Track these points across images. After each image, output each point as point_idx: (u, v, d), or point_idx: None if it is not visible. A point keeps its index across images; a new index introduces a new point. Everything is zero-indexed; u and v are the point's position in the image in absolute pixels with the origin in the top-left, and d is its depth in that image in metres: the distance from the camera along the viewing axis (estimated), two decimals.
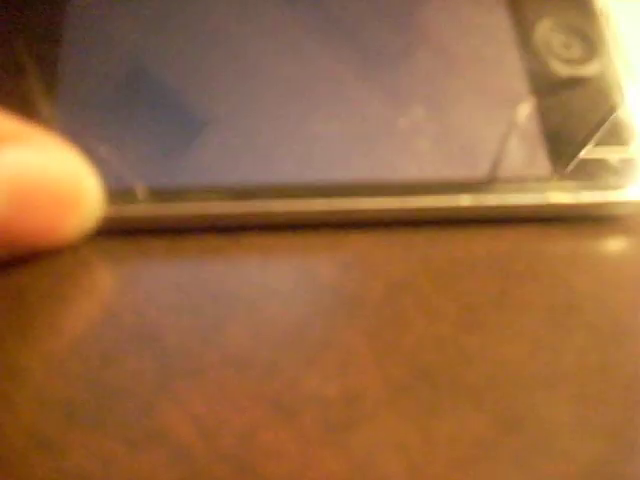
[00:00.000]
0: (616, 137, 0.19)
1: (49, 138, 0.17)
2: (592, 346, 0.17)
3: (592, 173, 0.19)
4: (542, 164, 0.19)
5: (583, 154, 0.19)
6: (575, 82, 0.20)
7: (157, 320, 0.16)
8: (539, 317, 0.17)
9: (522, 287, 0.18)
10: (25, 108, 0.19)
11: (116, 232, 0.18)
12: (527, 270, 0.18)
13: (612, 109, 0.20)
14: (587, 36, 0.21)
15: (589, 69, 0.21)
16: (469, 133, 0.19)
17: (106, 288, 0.17)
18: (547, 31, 0.21)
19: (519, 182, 0.19)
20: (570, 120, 0.20)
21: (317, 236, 0.18)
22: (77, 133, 0.18)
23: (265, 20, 0.21)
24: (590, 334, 0.17)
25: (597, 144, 0.19)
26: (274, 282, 0.17)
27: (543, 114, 0.20)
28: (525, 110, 0.20)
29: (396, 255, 0.18)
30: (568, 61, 0.21)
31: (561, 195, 0.19)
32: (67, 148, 0.17)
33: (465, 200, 0.18)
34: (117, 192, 0.18)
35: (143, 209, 0.18)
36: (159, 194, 0.18)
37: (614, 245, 0.19)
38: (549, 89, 0.20)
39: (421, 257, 0.18)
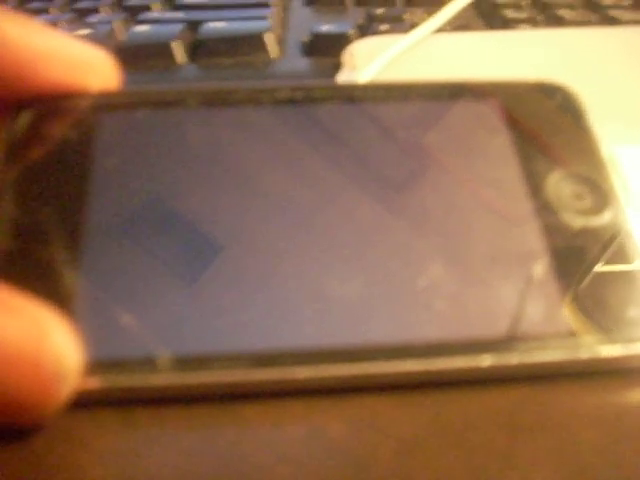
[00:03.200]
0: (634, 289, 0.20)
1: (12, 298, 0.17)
2: None
3: (610, 326, 0.19)
4: (559, 319, 0.19)
5: (601, 309, 0.19)
6: (588, 232, 0.21)
7: None
8: (548, 477, 0.17)
9: (532, 444, 0.17)
10: (47, 270, 0.19)
11: (134, 400, 0.18)
12: (537, 425, 0.18)
13: (626, 259, 0.20)
14: (596, 185, 0.21)
15: (601, 218, 0.21)
16: (484, 290, 0.19)
17: (122, 455, 0.17)
18: (557, 182, 0.21)
19: (538, 340, 0.19)
20: (585, 272, 0.20)
21: (329, 398, 0.18)
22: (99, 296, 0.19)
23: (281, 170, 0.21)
24: None
25: (615, 298, 0.19)
26: (286, 447, 0.17)
27: (558, 267, 0.20)
28: (540, 264, 0.20)
29: (406, 414, 0.18)
30: (579, 211, 0.21)
31: (580, 351, 0.19)
32: (33, 310, 0.17)
33: (486, 360, 0.18)
34: (136, 361, 0.18)
35: (163, 379, 0.18)
36: (178, 363, 0.18)
37: (628, 398, 0.19)
38: (562, 240, 0.20)
39: (431, 415, 0.18)
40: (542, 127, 0.23)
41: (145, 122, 0.22)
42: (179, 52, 0.40)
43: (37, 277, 0.19)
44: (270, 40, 0.40)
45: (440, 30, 0.40)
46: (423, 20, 0.42)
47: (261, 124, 0.22)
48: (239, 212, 0.20)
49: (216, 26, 0.41)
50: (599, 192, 0.21)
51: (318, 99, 0.23)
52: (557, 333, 0.19)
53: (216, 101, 0.22)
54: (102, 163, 0.21)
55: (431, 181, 0.21)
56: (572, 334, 0.19)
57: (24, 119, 0.21)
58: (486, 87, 0.24)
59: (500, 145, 0.22)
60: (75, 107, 0.22)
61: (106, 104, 0.22)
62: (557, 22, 0.44)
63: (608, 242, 0.20)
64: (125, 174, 0.21)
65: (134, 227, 0.20)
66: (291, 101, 0.22)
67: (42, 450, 0.17)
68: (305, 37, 0.42)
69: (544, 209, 0.21)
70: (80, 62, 0.22)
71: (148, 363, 0.18)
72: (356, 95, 0.23)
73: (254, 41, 0.40)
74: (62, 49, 0.21)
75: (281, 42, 0.42)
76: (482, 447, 0.17)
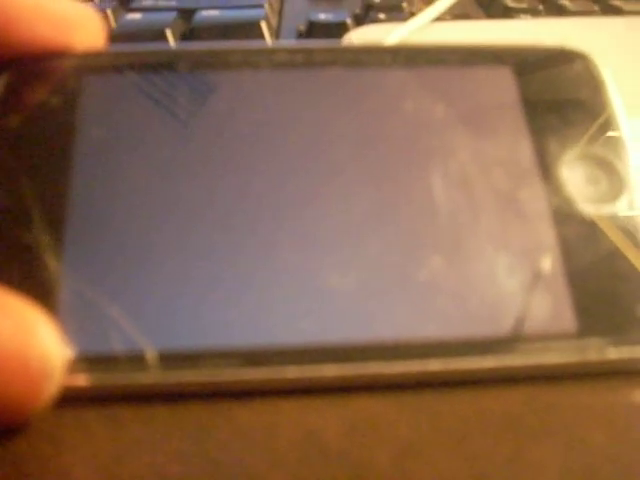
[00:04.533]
0: None
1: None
2: None
3: (618, 327, 0.18)
4: (567, 319, 0.18)
5: (610, 306, 0.18)
6: (601, 222, 0.19)
7: None
8: None
9: (537, 446, 0.17)
10: (30, 262, 0.18)
11: (120, 398, 0.17)
12: (542, 427, 0.17)
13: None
14: (614, 169, 0.20)
15: (616, 206, 0.20)
16: (489, 286, 0.18)
17: (108, 457, 0.16)
18: (572, 166, 0.20)
19: (544, 340, 0.18)
20: (598, 269, 0.19)
21: (324, 397, 0.17)
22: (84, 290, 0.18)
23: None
24: None
25: (623, 298, 0.18)
26: (280, 450, 0.16)
27: (568, 262, 0.19)
28: (549, 259, 0.19)
29: (404, 415, 0.17)
30: (594, 199, 0.20)
31: (587, 352, 0.18)
32: (19, 308, 0.16)
33: (488, 362, 0.17)
34: (123, 358, 0.17)
35: (151, 377, 0.17)
36: (167, 360, 0.17)
37: (635, 399, 0.18)
38: (575, 232, 0.19)
39: (430, 416, 0.17)
40: (558, 96, 0.21)
41: (133, 84, 0.20)
42: (172, 41, 0.39)
43: (19, 268, 0.18)
44: (265, 29, 0.40)
45: (439, 19, 0.39)
46: (421, 9, 0.41)
47: (255, 86, 0.21)
48: (233, 197, 0.19)
49: (210, 14, 0.41)
50: (616, 176, 0.20)
51: (320, 62, 0.21)
52: (563, 333, 0.18)
53: (208, 62, 0.21)
54: (88, 130, 0.20)
55: (436, 156, 0.20)
56: (579, 335, 0.18)
57: (4, 81, 0.20)
58: (501, 52, 0.22)
59: (513, 115, 0.21)
60: (60, 68, 0.20)
61: (93, 65, 0.20)
62: (558, 12, 0.44)
63: (621, 232, 0.19)
64: (112, 144, 0.19)
65: (120, 211, 0.19)
66: (291, 64, 0.21)
67: (25, 452, 0.16)
68: (301, 25, 0.42)
69: (556, 195, 0.20)
70: (65, 19, 0.20)
71: (135, 360, 0.17)
72: (363, 59, 0.21)
73: (249, 30, 0.39)
74: (46, 4, 0.20)
75: (276, 31, 0.42)
76: (485, 451, 0.16)
